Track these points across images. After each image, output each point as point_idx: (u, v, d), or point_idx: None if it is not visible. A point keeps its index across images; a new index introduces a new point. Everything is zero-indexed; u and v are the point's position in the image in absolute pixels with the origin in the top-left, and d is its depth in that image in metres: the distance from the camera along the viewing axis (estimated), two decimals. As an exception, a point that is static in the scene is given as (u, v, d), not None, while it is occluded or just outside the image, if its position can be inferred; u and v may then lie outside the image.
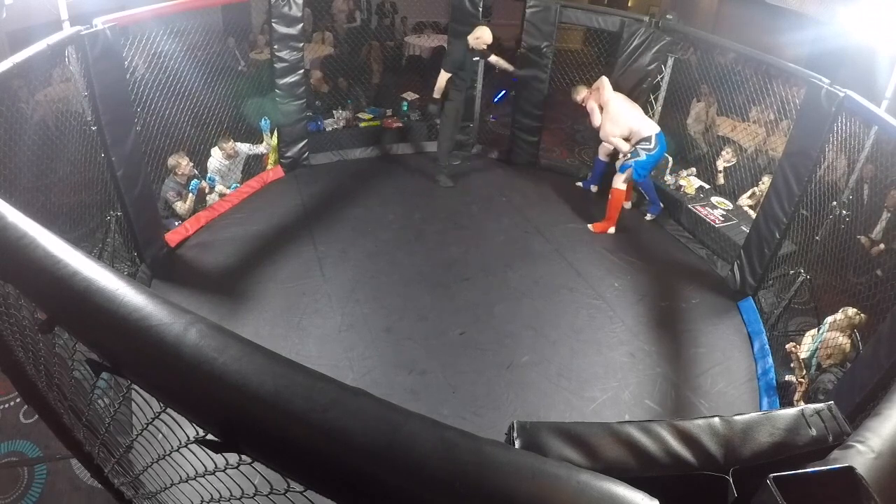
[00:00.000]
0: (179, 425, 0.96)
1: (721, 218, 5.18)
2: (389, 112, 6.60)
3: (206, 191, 5.12)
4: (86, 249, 1.66)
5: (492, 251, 4.92)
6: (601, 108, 5.13)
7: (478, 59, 5.52)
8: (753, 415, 0.95)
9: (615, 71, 5.47)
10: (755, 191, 5.36)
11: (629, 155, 5.03)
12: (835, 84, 3.83)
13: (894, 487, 0.79)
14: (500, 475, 0.69)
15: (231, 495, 1.19)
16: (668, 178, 5.73)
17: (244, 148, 5.43)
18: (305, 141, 5.94)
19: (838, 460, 0.82)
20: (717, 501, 0.86)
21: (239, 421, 0.74)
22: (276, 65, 5.38)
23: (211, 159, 5.19)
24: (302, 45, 5.45)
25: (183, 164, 4.72)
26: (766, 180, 5.06)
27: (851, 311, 3.51)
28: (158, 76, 4.47)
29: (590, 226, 5.33)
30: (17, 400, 3.37)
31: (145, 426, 1.14)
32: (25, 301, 1.24)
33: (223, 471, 1.05)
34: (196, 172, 4.94)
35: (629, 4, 10.92)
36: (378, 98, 6.96)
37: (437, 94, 5.50)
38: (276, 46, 5.30)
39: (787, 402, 3.55)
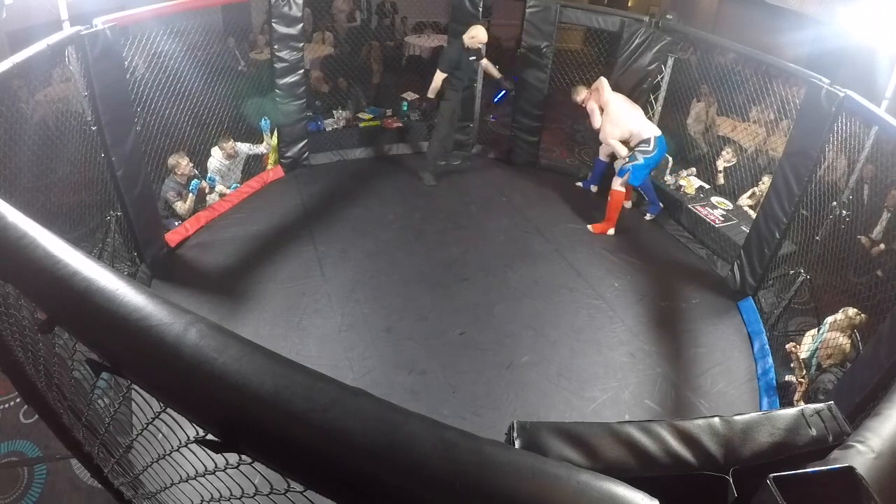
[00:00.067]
0: (179, 425, 0.96)
1: (721, 218, 5.18)
2: (389, 112, 6.59)
3: (206, 191, 5.12)
4: (86, 249, 1.67)
5: (492, 251, 4.92)
6: (601, 110, 5.13)
7: (474, 58, 5.52)
8: (753, 415, 0.95)
9: (615, 71, 5.47)
10: (755, 191, 5.36)
11: (627, 158, 5.03)
12: (835, 84, 3.83)
13: (894, 487, 0.79)
14: (500, 475, 0.69)
15: (231, 495, 1.19)
16: (668, 178, 5.73)
17: (244, 148, 5.43)
18: (305, 141, 5.94)
19: (838, 460, 0.82)
20: (717, 501, 0.86)
21: (239, 421, 0.74)
22: (276, 65, 5.38)
23: (211, 159, 5.19)
24: (302, 45, 5.45)
25: (183, 163, 4.72)
26: (766, 180, 5.06)
27: (852, 311, 3.51)
28: (158, 76, 4.47)
29: (589, 226, 5.33)
30: (17, 400, 3.37)
31: (145, 426, 1.13)
32: (25, 301, 1.24)
33: (223, 471, 1.05)
34: (196, 172, 4.94)
35: (629, 4, 10.92)
36: (378, 98, 6.96)
37: (431, 94, 5.51)
38: (276, 46, 5.30)
39: (787, 402, 3.55)
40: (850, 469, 0.76)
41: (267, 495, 0.97)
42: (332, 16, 8.46)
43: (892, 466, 0.82)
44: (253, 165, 5.65)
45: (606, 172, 5.65)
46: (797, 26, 7.13)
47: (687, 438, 0.90)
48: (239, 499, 1.17)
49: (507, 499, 0.68)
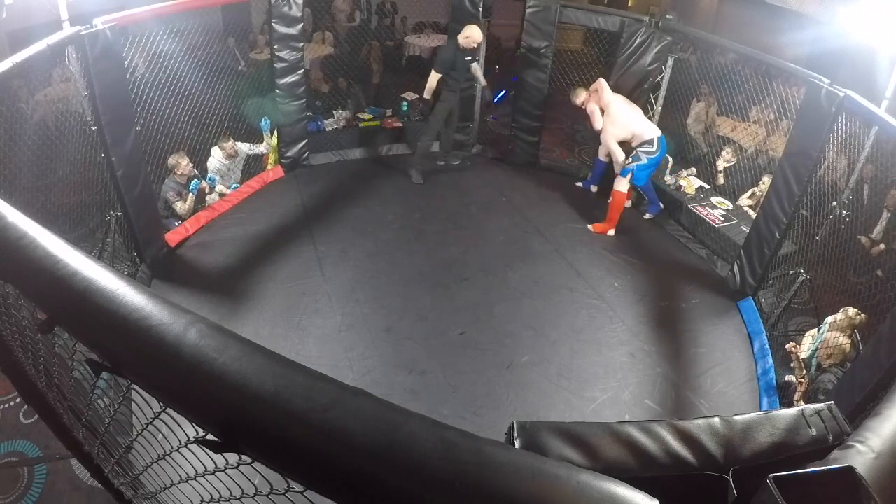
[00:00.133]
0: (179, 425, 0.96)
1: (721, 218, 5.18)
2: (389, 112, 6.60)
3: (206, 191, 5.12)
4: (86, 249, 1.67)
5: (492, 251, 4.92)
6: (602, 111, 5.13)
7: (470, 58, 5.52)
8: (753, 415, 0.95)
9: (615, 71, 5.47)
10: (755, 191, 5.36)
11: (630, 158, 5.03)
12: (835, 84, 3.83)
13: (894, 487, 0.79)
14: (500, 475, 0.69)
15: (231, 495, 1.19)
16: (668, 178, 5.73)
17: (244, 148, 5.43)
18: (305, 141, 5.94)
19: (838, 460, 0.82)
20: (717, 501, 0.86)
21: (239, 421, 0.74)
22: (276, 65, 5.38)
23: (211, 159, 5.19)
24: (302, 45, 5.45)
25: (183, 163, 4.72)
26: (766, 180, 5.06)
27: (852, 311, 3.51)
28: (158, 76, 4.47)
29: (590, 226, 5.33)
30: (17, 400, 3.37)
31: (145, 426, 1.13)
32: (25, 301, 1.24)
33: (223, 471, 1.05)
34: (196, 172, 4.94)
35: (629, 4, 10.92)
36: (378, 98, 6.96)
37: (427, 95, 5.51)
38: (276, 46, 5.30)
39: (787, 402, 3.55)
40: (850, 469, 0.76)
41: (267, 495, 0.97)
42: (332, 16, 8.46)
43: (892, 466, 0.82)
44: (253, 165, 5.65)
45: (606, 172, 5.65)
46: (797, 26, 7.13)
47: (687, 438, 0.90)
48: (239, 499, 1.17)
49: (507, 499, 0.68)
